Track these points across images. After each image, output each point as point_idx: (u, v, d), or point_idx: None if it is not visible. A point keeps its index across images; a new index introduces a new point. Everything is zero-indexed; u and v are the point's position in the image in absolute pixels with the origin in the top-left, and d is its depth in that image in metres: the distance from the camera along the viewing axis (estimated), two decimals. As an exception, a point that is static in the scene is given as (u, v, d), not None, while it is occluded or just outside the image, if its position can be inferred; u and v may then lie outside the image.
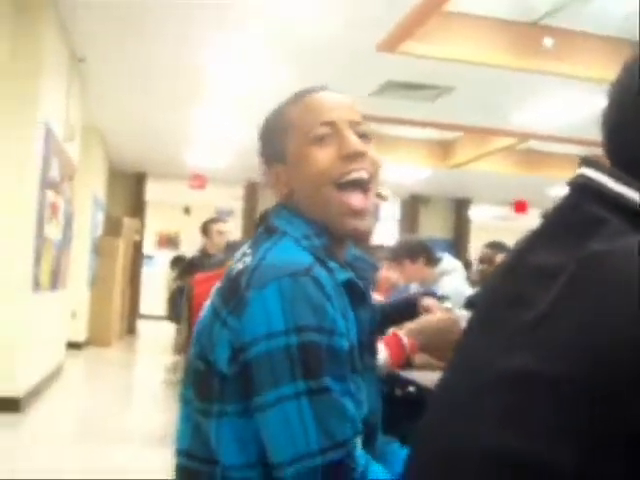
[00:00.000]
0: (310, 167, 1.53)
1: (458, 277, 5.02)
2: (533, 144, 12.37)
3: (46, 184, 7.41)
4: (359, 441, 1.38)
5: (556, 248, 0.97)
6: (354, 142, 1.53)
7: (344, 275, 1.50)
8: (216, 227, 7.60)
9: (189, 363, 1.53)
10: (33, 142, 6.96)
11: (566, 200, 1.04)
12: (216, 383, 1.42)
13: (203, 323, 1.49)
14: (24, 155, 6.88)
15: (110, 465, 5.44)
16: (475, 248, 10.91)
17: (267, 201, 1.83)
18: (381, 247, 5.94)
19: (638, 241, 0.86)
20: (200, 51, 8.00)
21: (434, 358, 2.53)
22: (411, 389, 2.77)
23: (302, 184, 1.55)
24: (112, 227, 14.10)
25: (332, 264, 1.49)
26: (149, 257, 20.19)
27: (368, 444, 1.45)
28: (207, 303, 1.53)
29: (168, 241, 22.25)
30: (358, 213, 1.53)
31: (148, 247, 19.71)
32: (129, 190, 16.37)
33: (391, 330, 2.53)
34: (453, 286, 4.67)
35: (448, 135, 12.54)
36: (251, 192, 16.68)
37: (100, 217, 13.73)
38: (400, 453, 1.65)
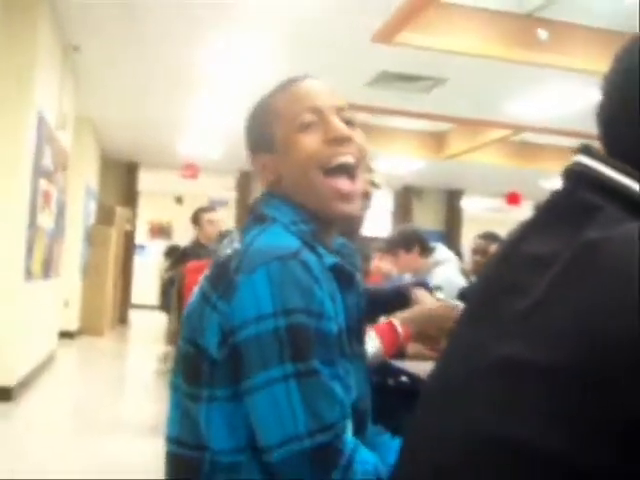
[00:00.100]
0: (297, 153, 1.54)
1: (451, 268, 5.02)
2: (527, 136, 12.38)
3: (39, 173, 7.39)
4: (348, 425, 1.39)
5: (551, 236, 0.97)
6: (340, 127, 1.55)
7: (332, 259, 1.51)
8: (207, 216, 7.57)
9: (179, 348, 1.53)
10: (26, 130, 6.94)
11: (561, 188, 1.04)
12: (206, 367, 1.42)
13: (192, 308, 1.50)
14: (17, 143, 6.86)
15: (102, 454, 5.44)
16: (467, 239, 10.91)
17: (260, 191, 1.82)
18: (374, 239, 5.95)
19: (637, 227, 0.86)
20: (193, 41, 7.97)
21: (428, 347, 2.53)
22: (404, 379, 2.78)
23: (290, 171, 1.57)
24: (104, 216, 14.08)
25: (320, 249, 1.50)
26: (141, 247, 20.16)
27: (358, 432, 1.46)
28: (196, 289, 1.53)
29: (160, 231, 22.22)
30: (345, 197, 1.54)
31: (140, 237, 19.68)
32: (121, 179, 16.35)
33: (382, 318, 2.53)
34: (446, 276, 4.67)
35: (442, 126, 12.54)
36: (244, 182, 16.67)
37: (92, 206, 13.70)
38: (391, 444, 1.66)
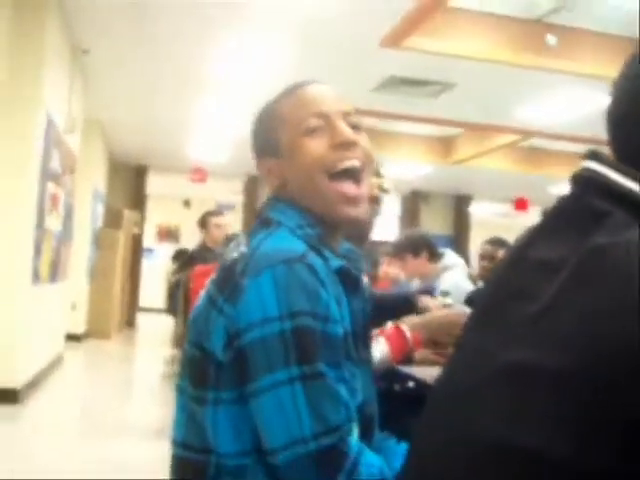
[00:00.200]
0: (303, 158, 1.55)
1: (460, 273, 5.01)
2: (535, 142, 12.37)
3: (47, 176, 7.40)
4: (354, 428, 1.38)
5: (559, 241, 0.97)
6: (346, 131, 1.55)
7: (338, 262, 1.51)
8: (214, 220, 7.57)
9: (185, 352, 1.53)
10: (34, 133, 6.95)
11: (569, 193, 1.04)
12: (211, 370, 1.42)
13: (198, 311, 1.50)
14: (25, 146, 6.87)
15: (108, 457, 5.44)
16: (475, 245, 10.91)
17: (267, 195, 1.83)
18: (382, 243, 5.94)
19: None
20: (202, 43, 7.98)
21: (438, 353, 2.52)
22: (410, 384, 2.77)
23: (296, 175, 1.57)
24: (112, 219, 14.09)
25: (326, 252, 1.50)
26: (149, 250, 20.18)
27: (365, 437, 1.45)
28: (202, 293, 1.53)
29: (168, 234, 22.25)
30: (351, 200, 1.54)
31: (148, 240, 19.70)
32: (130, 183, 16.37)
33: (389, 324, 2.52)
34: (454, 282, 4.67)
35: (450, 131, 12.54)
36: (251, 186, 16.68)
37: (100, 209, 13.72)
38: (397, 449, 1.65)
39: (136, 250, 16.38)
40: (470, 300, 3.82)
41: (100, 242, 13.40)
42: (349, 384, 1.40)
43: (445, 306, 2.82)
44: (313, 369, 1.33)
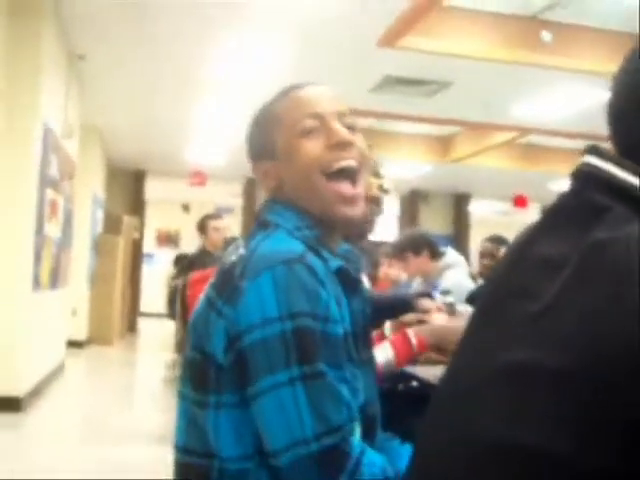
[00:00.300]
0: (299, 158, 1.55)
1: (461, 271, 5.01)
2: (533, 139, 12.38)
3: (45, 182, 7.40)
4: (356, 428, 1.38)
5: (560, 238, 0.96)
6: (341, 132, 1.56)
7: (337, 263, 1.51)
8: (212, 224, 7.56)
9: (185, 356, 1.53)
10: (32, 140, 6.95)
11: (569, 189, 1.03)
12: (212, 373, 1.42)
13: (198, 315, 1.50)
14: (23, 153, 6.87)
15: (111, 463, 5.44)
16: (475, 243, 10.92)
17: (265, 198, 1.83)
18: (381, 243, 5.94)
19: None
20: (199, 49, 7.99)
21: (441, 353, 2.51)
22: (414, 384, 2.77)
23: (292, 176, 1.57)
24: (112, 225, 14.09)
25: (325, 253, 1.50)
26: (149, 255, 20.19)
27: (368, 438, 1.46)
28: (201, 297, 1.53)
29: (168, 239, 22.26)
30: (348, 200, 1.55)
31: (148, 245, 19.71)
32: (128, 188, 16.38)
33: (387, 323, 2.51)
34: (456, 280, 4.66)
35: (448, 130, 12.55)
36: (250, 189, 16.70)
37: (100, 215, 13.72)
38: (400, 450, 1.65)
39: (136, 255, 16.38)
40: (471, 298, 3.81)
41: (100, 248, 13.39)
42: (350, 384, 1.40)
43: (446, 305, 2.82)
44: (314, 369, 1.33)
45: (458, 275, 4.88)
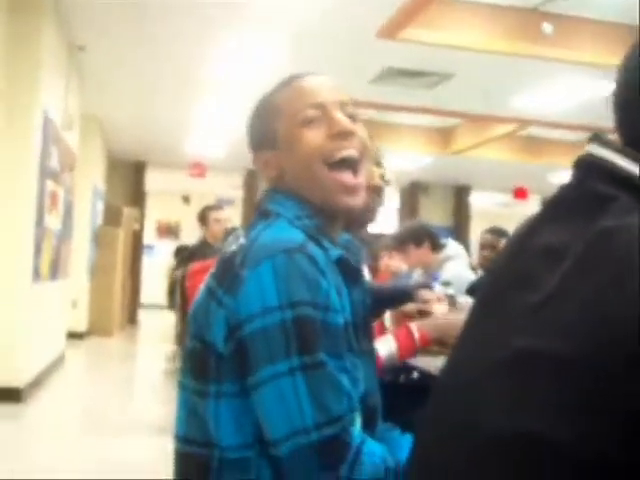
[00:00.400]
0: (300, 148, 1.54)
1: (462, 263, 5.01)
2: (533, 131, 12.36)
3: (46, 174, 7.39)
4: (357, 418, 1.39)
5: (562, 227, 0.96)
6: (343, 121, 1.55)
7: (337, 253, 1.51)
8: (213, 215, 7.54)
9: (185, 346, 1.53)
10: (32, 131, 6.95)
11: (572, 178, 1.03)
12: (212, 362, 1.42)
13: (198, 304, 1.50)
14: (23, 144, 6.87)
15: (111, 455, 5.45)
16: (475, 235, 10.90)
17: (264, 188, 1.82)
18: (381, 235, 5.93)
19: None
20: (199, 39, 7.97)
21: (442, 344, 2.51)
22: (415, 375, 2.77)
23: (293, 166, 1.57)
24: (112, 217, 14.08)
25: (326, 243, 1.50)
26: (149, 247, 20.19)
27: (368, 428, 1.46)
28: (201, 287, 1.53)
29: (168, 230, 22.26)
30: (350, 190, 1.54)
31: (148, 237, 19.70)
32: (129, 179, 16.37)
33: (387, 313, 2.51)
34: (456, 272, 4.66)
35: (448, 122, 12.52)
36: (251, 180, 16.67)
37: (100, 207, 13.72)
38: (401, 440, 1.65)
39: (136, 247, 16.38)
40: (472, 290, 3.81)
41: (100, 239, 13.39)
42: (351, 374, 1.40)
43: (447, 296, 2.82)
44: (314, 359, 1.33)
45: (458, 267, 4.88)
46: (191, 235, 13.80)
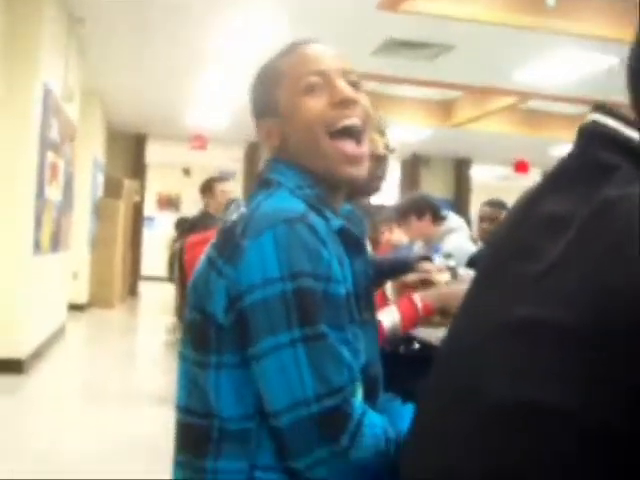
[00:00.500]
0: (302, 116, 1.52)
1: (463, 235, 5.02)
2: (534, 104, 12.31)
3: (46, 145, 7.38)
4: (358, 389, 1.38)
5: (566, 196, 0.96)
6: (345, 89, 1.53)
7: (339, 223, 1.49)
8: (220, 186, 7.48)
9: (186, 316, 1.53)
10: (32, 102, 6.93)
11: (575, 147, 1.02)
12: (212, 333, 1.41)
13: (198, 274, 1.49)
14: (23, 115, 6.86)
15: (113, 425, 5.48)
16: (476, 208, 10.91)
17: (266, 158, 1.81)
18: (382, 207, 5.92)
19: None
20: (201, 11, 7.92)
21: (443, 315, 2.51)
22: (415, 346, 2.78)
23: (295, 135, 1.55)
24: (112, 189, 14.07)
25: (327, 212, 1.49)
26: (150, 219, 20.20)
27: (370, 399, 1.46)
28: (201, 257, 1.52)
29: (168, 203, 22.26)
30: (353, 160, 1.53)
31: (149, 209, 19.70)
32: (129, 152, 16.33)
33: (388, 284, 2.51)
34: (457, 244, 4.67)
35: (449, 94, 12.47)
36: (251, 153, 16.63)
37: (100, 179, 13.70)
38: (402, 410, 1.65)
39: (137, 219, 16.37)
40: (473, 262, 3.81)
41: (100, 211, 13.39)
42: (352, 345, 1.39)
43: (448, 268, 2.82)
44: (315, 330, 1.32)
45: (460, 239, 4.89)
46: (192, 207, 13.80)
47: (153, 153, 16.99)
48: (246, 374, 1.39)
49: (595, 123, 0.99)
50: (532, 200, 1.04)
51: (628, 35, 1.04)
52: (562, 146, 13.13)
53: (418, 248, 5.18)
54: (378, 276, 2.28)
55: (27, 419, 5.67)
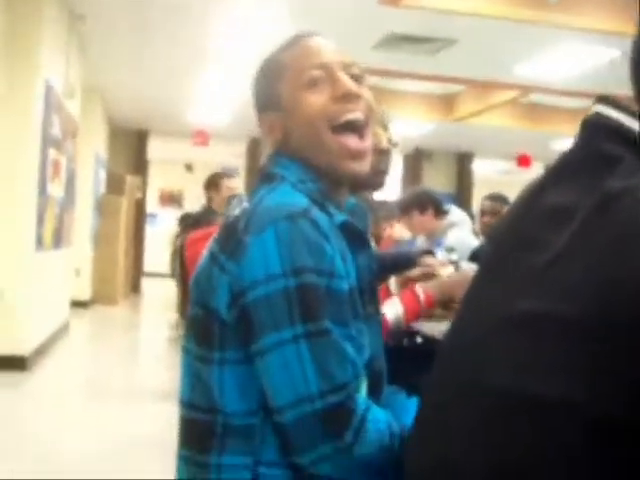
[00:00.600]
0: (305, 111, 1.51)
1: (465, 229, 5.02)
2: (536, 98, 12.30)
3: (48, 141, 7.38)
4: (362, 385, 1.38)
5: (570, 188, 0.95)
6: (348, 83, 1.52)
7: (342, 217, 1.49)
8: (227, 182, 7.44)
9: (189, 311, 1.52)
10: (34, 99, 6.93)
11: (579, 139, 1.02)
12: (216, 329, 1.41)
13: (201, 270, 1.48)
14: (25, 111, 6.86)
15: (116, 421, 5.49)
16: (478, 202, 10.91)
17: (268, 152, 1.80)
18: (384, 202, 5.91)
19: None
20: (200, 8, 7.91)
21: (446, 308, 2.51)
22: (418, 340, 2.78)
23: (297, 129, 1.54)
24: (114, 185, 14.08)
25: (330, 207, 1.48)
26: (152, 215, 20.19)
27: (374, 393, 1.45)
28: (204, 252, 1.51)
29: (171, 199, 22.25)
30: (355, 155, 1.51)
31: (151, 205, 19.69)
32: (131, 148, 16.32)
33: (392, 279, 2.51)
34: (460, 238, 4.67)
35: (451, 88, 12.45)
36: (253, 149, 16.62)
37: (102, 175, 13.70)
38: (407, 403, 1.65)
39: (139, 215, 16.36)
40: (475, 256, 3.81)
41: (103, 208, 13.40)
42: (356, 340, 1.39)
43: (451, 262, 2.82)
44: (318, 326, 1.32)
45: (462, 233, 4.89)
46: (194, 203, 13.79)
47: (155, 149, 16.98)
48: (249, 370, 1.38)
49: (598, 115, 0.99)
50: (535, 192, 1.04)
51: (630, 28, 1.03)
52: (564, 140, 13.11)
53: (421, 243, 5.18)
54: (381, 271, 2.27)
55: (30, 416, 5.67)
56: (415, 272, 2.65)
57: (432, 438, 1.03)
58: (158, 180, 20.37)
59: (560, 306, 0.85)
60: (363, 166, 1.53)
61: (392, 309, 2.25)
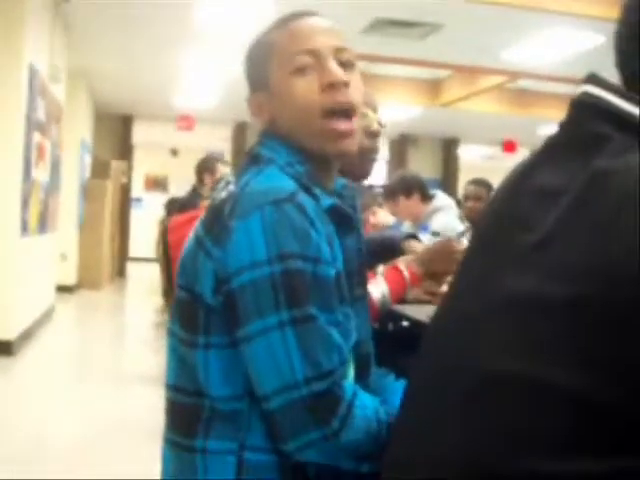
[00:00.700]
0: (292, 98, 1.50)
1: (451, 214, 5.02)
2: (523, 83, 12.29)
3: (32, 126, 7.34)
4: (349, 371, 1.38)
5: (559, 167, 0.95)
6: (336, 72, 1.50)
7: (329, 201, 1.48)
8: (222, 168, 7.41)
9: (174, 295, 1.52)
10: (18, 82, 6.88)
11: (567, 119, 1.02)
12: (201, 314, 1.41)
13: (187, 253, 1.48)
14: (9, 95, 6.82)
15: (103, 406, 5.48)
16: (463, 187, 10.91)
17: (258, 133, 1.78)
18: (370, 187, 5.91)
19: None
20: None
21: (431, 293, 2.52)
22: (404, 323, 2.78)
23: (286, 112, 1.53)
24: (100, 170, 14.02)
25: (317, 190, 1.47)
26: (138, 200, 20.11)
27: (361, 376, 1.46)
28: (190, 235, 1.51)
29: (156, 183, 22.15)
30: (343, 135, 1.50)
31: (136, 190, 19.61)
32: (116, 132, 16.25)
33: (381, 267, 2.51)
34: (445, 222, 4.68)
35: (438, 73, 12.44)
36: (239, 132, 16.57)
37: (87, 160, 13.64)
38: (395, 386, 1.65)
39: (124, 200, 16.29)
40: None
41: (88, 193, 13.33)
42: (342, 326, 1.38)
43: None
44: (304, 312, 1.32)
45: (448, 217, 4.89)
46: (180, 188, 13.74)
47: (140, 134, 16.90)
48: (235, 355, 1.38)
49: (587, 94, 0.99)
50: (525, 172, 1.04)
51: (617, 14, 1.03)
52: (551, 125, 13.03)
53: (406, 228, 5.19)
54: (369, 256, 2.28)
55: (16, 401, 5.66)
56: (403, 260, 2.65)
57: (416, 425, 1.03)
58: (143, 165, 20.27)
59: (553, 287, 0.85)
60: (351, 145, 1.52)
61: (378, 289, 2.25)
